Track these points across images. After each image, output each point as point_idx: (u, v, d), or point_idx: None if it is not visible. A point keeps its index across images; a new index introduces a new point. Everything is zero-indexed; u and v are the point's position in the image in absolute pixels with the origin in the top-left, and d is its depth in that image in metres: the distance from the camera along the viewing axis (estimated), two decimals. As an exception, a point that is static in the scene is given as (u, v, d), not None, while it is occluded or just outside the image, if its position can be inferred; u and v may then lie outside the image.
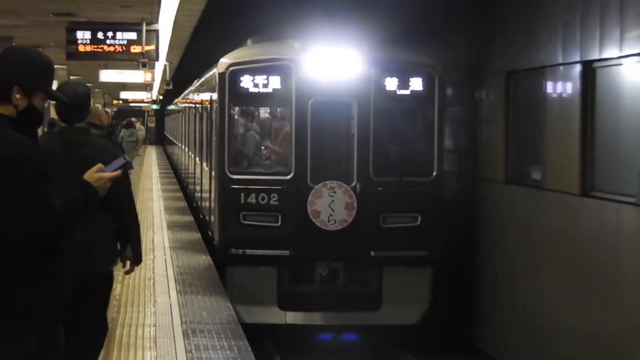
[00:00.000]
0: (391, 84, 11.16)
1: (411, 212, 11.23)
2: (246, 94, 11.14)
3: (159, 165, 33.93)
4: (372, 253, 11.03)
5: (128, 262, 5.69)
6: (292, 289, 11.15)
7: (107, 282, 5.61)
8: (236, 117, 11.67)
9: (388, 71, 11.13)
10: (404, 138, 11.85)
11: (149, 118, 48.61)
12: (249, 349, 7.51)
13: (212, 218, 12.28)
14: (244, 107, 11.77)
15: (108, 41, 13.80)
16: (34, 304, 3.34)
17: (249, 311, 10.85)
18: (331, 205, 10.89)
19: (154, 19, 13.98)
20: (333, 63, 10.99)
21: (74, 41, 13.74)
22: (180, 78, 26.22)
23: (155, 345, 7.71)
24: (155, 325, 8.43)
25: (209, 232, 13.41)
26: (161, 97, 37.20)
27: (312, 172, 10.96)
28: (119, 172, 3.62)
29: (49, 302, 3.41)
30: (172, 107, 33.66)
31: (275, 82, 11.01)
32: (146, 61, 14.81)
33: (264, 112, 12.34)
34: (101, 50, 13.71)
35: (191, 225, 15.79)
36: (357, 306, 11.18)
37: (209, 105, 13.98)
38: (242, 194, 11.00)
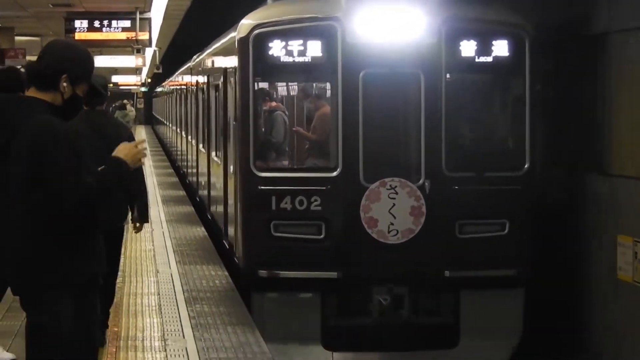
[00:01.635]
0: (468, 49, 8.38)
1: (496, 217, 8.43)
2: (277, 65, 8.38)
3: (149, 143, 34.28)
4: (447, 273, 8.23)
5: (137, 223, 6.97)
6: (341, 322, 8.38)
7: (119, 236, 6.61)
8: (263, 94, 8.89)
9: (464, 33, 8.36)
10: (486, 120, 9.03)
11: (137, 100, 53.56)
12: (247, 314, 8.00)
13: (231, 227, 9.51)
14: (274, 82, 8.97)
15: (104, 29, 14.39)
16: (70, 276, 3.71)
17: (284, 351, 8.13)
18: (392, 210, 8.13)
19: (147, 8, 14.40)
20: (392, 23, 8.24)
21: (71, 30, 14.43)
22: (168, 62, 28.04)
23: (161, 312, 8.16)
24: (158, 294, 8.92)
25: (225, 243, 10.60)
26: (149, 80, 42.32)
27: (365, 168, 8.21)
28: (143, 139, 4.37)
29: (86, 274, 3.78)
30: (162, 88, 32.85)
31: (315, 49, 8.26)
32: (140, 47, 15.71)
33: (292, 88, 9.52)
34: (98, 38, 14.26)
35: (184, 199, 16.38)
36: (427, 343, 8.38)
37: (220, 82, 11.07)
38: (274, 198, 8.25)
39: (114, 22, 14.13)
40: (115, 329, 6.99)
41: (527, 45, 8.45)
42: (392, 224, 8.13)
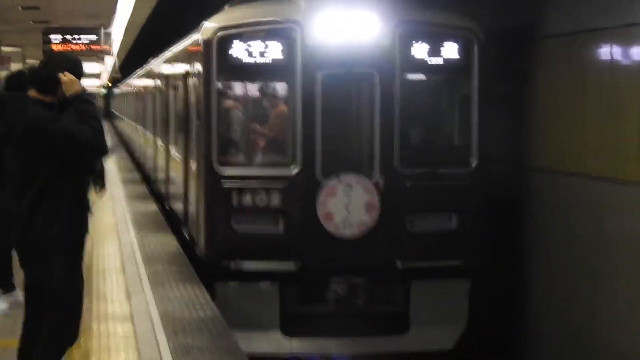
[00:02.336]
0: (420, 51, 8.60)
1: (445, 211, 8.77)
2: (239, 66, 8.49)
3: (109, 133, 40.52)
4: (399, 264, 8.55)
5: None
6: (299, 310, 8.65)
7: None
8: (222, 94, 9.05)
9: (416, 36, 8.58)
10: (437, 119, 9.27)
11: (99, 99, 61.45)
12: (193, 272, 9.03)
13: (193, 219, 9.74)
14: (235, 82, 9.15)
15: (74, 42, 17.56)
16: (66, 239, 4.61)
17: (245, 338, 8.38)
18: (347, 205, 8.40)
19: (110, 24, 17.61)
20: (348, 26, 8.43)
21: (48, 42, 18.15)
22: (126, 68, 31.61)
23: (124, 271, 9.38)
24: (121, 257, 10.21)
25: (185, 233, 10.86)
26: (109, 84, 48.90)
27: (323, 164, 8.44)
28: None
29: (77, 237, 4.72)
30: (120, 89, 37.99)
31: (275, 51, 8.42)
32: (103, 56, 20.58)
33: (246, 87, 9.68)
34: (69, 48, 16.98)
35: (143, 193, 17.40)
36: (380, 330, 8.72)
37: (179, 82, 11.41)
38: (235, 194, 8.49)
39: (82, 37, 17.44)
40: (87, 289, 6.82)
41: (475, 48, 8.70)
42: (347, 218, 8.36)
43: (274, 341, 8.59)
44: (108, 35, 18.44)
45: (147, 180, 18.63)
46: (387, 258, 8.51)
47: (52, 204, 4.53)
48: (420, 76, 8.94)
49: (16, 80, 6.71)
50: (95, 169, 6.68)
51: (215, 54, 8.49)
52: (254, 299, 8.57)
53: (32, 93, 4.78)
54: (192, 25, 10.55)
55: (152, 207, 14.70)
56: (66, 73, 4.67)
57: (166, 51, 14.81)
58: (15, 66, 21.31)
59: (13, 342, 5.18)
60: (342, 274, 8.49)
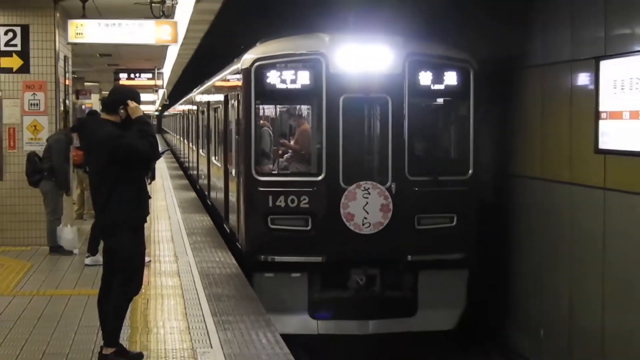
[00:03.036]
0: (425, 79, 10.03)
1: (447, 212, 10.19)
2: (273, 91, 9.92)
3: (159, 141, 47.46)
4: (409, 257, 9.95)
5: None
6: (324, 296, 9.99)
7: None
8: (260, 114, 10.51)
9: (422, 66, 10.00)
10: (439, 135, 10.76)
11: (152, 119, 72.76)
12: (222, 241, 11.95)
13: (235, 219, 11.15)
14: (271, 104, 10.61)
15: (136, 78, 22.26)
16: (129, 219, 6.03)
17: (278, 320, 9.72)
18: (366, 207, 9.79)
19: (161, 66, 23.00)
20: (366, 57, 9.85)
21: (117, 79, 22.20)
22: (172, 98, 44.16)
23: (173, 240, 12.47)
24: (171, 230, 13.57)
25: (227, 229, 12.34)
26: (160, 108, 60.56)
27: (344, 173, 9.82)
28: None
29: (139, 218, 6.14)
30: (168, 112, 51.29)
31: (304, 78, 9.83)
32: (157, 89, 27.72)
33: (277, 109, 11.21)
34: (133, 83, 21.82)
35: (186, 184, 23.22)
36: (392, 313, 10.12)
37: (221, 105, 13.31)
38: (270, 197, 9.90)
39: (142, 75, 22.18)
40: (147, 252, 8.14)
41: (471, 76, 10.12)
42: (365, 218, 9.73)
43: (303, 323, 9.87)
44: (160, 74, 23.45)
45: (190, 181, 23.52)
46: (399, 252, 9.90)
47: (120, 195, 5.95)
48: (425, 99, 10.34)
49: (93, 111, 8.93)
50: (151, 168, 8.66)
51: (253, 81, 9.87)
52: (286, 287, 9.88)
53: (103, 115, 6.25)
54: (221, 66, 13.31)
55: (192, 195, 19.92)
56: (132, 101, 6.06)
57: (207, 81, 17.70)
58: (94, 96, 28.70)
59: (94, 291, 6.68)
60: (361, 266, 9.85)
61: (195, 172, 21.55)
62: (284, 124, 11.09)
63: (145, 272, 7.61)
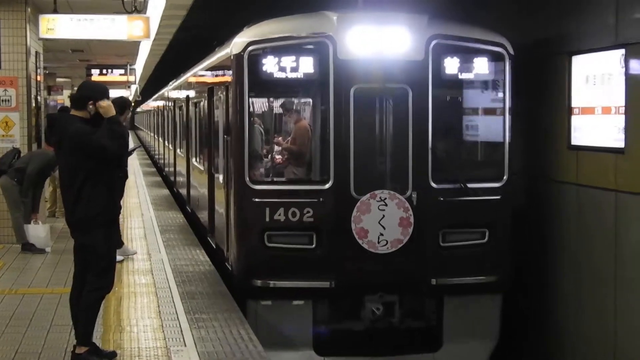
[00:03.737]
0: (452, 66, 8.30)
1: (477, 226, 8.45)
2: (270, 81, 8.15)
3: (134, 142, 45.05)
4: (434, 281, 8.20)
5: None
6: (332, 328, 8.28)
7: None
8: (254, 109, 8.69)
9: (449, 51, 8.26)
10: (469, 134, 8.97)
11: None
12: (195, 238, 11.63)
13: (223, 234, 9.37)
14: (268, 98, 8.80)
15: (109, 74, 22.49)
16: (103, 213, 5.95)
17: (277, 357, 8.02)
18: (382, 221, 8.05)
19: (134, 61, 23.11)
20: (381, 41, 8.08)
21: (89, 74, 22.19)
22: (144, 94, 43.91)
23: (146, 238, 12.02)
24: (144, 228, 13.07)
25: (213, 244, 10.58)
26: (132, 104, 68.55)
27: (356, 180, 8.10)
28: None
29: (111, 214, 6.16)
30: (141, 109, 48.49)
31: (307, 65, 8.07)
32: (129, 85, 27.39)
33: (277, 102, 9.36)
34: (105, 79, 22.01)
35: (159, 182, 22.30)
36: (412, 347, 8.38)
37: (204, 99, 11.28)
38: (268, 209, 8.13)
39: (115, 70, 22.62)
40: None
41: (506, 63, 8.42)
42: (381, 234, 8.02)
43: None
44: (133, 69, 23.74)
45: (164, 179, 22.39)
46: (422, 275, 8.16)
47: (91, 191, 5.86)
48: (452, 91, 8.62)
49: (64, 107, 8.59)
50: (123, 166, 7.89)
51: (247, 69, 8.09)
52: (286, 318, 8.17)
53: (73, 112, 6.12)
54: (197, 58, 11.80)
55: (165, 192, 19.07)
56: (105, 100, 5.94)
57: (186, 73, 15.46)
58: (66, 92, 28.79)
59: (67, 289, 6.60)
60: (376, 292, 8.14)
61: (172, 177, 19.46)
62: (278, 120, 9.25)
63: (118, 268, 7.88)
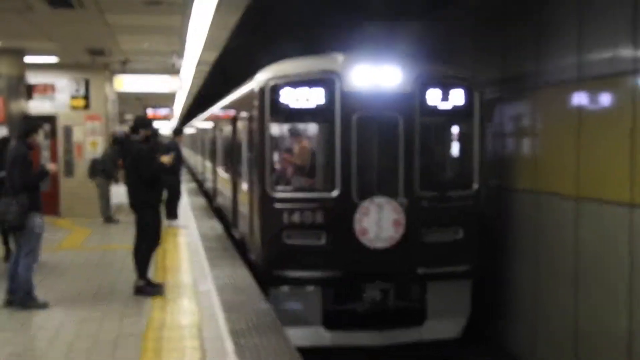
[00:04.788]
0: (433, 98, 9.95)
1: (454, 225, 10.16)
2: (288, 109, 9.66)
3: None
4: (419, 270, 9.88)
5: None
6: (338, 309, 9.81)
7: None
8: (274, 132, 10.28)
9: (430, 86, 9.90)
10: (447, 152, 10.65)
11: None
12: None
13: (245, 228, 10.88)
14: (286, 123, 10.40)
15: (157, 112, 31.33)
16: (152, 200, 8.97)
17: (293, 333, 9.55)
18: (379, 222, 9.72)
19: (173, 104, 32.47)
20: (378, 77, 9.70)
21: (145, 112, 30.01)
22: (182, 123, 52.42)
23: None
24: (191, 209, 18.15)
25: (235, 234, 12.24)
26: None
27: (358, 189, 9.70)
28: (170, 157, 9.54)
29: (157, 200, 9.01)
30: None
31: (318, 96, 9.62)
32: (170, 118, 35.62)
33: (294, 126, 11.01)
34: (154, 115, 30.81)
35: (197, 191, 26.76)
36: (402, 323, 10.04)
37: (231, 125, 13.80)
38: (286, 213, 9.71)
39: (162, 109, 31.69)
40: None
41: (475, 95, 10.06)
42: (378, 232, 9.72)
43: (316, 335, 9.67)
44: (172, 109, 33.56)
45: (204, 192, 25.58)
46: (410, 266, 9.79)
47: (142, 187, 8.99)
48: (434, 118, 10.13)
49: (127, 134, 11.26)
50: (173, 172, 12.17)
51: (268, 100, 9.62)
52: (301, 300, 9.71)
53: (132, 134, 9.84)
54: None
55: (202, 200, 22.41)
56: (165, 157, 9.59)
57: (214, 105, 19.47)
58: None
59: (129, 246, 9.71)
60: (374, 280, 9.70)
61: (210, 186, 22.25)
62: (302, 141, 10.93)
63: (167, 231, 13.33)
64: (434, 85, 9.92)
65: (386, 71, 9.76)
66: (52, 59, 15.88)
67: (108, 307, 8.37)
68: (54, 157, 16.85)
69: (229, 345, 6.81)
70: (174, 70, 16.31)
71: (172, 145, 15.27)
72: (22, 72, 15.19)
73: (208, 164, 21.38)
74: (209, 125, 20.89)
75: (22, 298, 8.37)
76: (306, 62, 9.96)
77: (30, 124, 8.63)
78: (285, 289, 9.73)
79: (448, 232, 10.07)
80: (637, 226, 7.76)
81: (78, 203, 17.18)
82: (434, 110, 9.98)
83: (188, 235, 13.98)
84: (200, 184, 27.48)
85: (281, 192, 9.81)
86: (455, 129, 10.57)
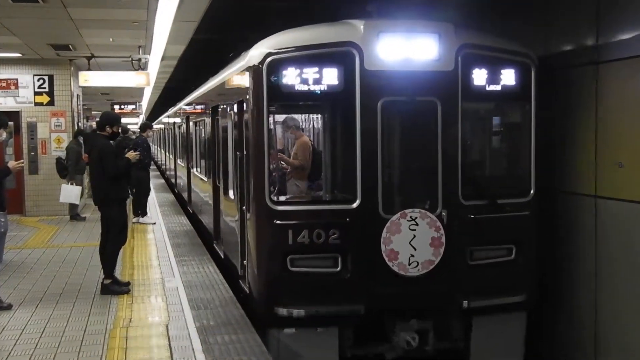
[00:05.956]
0: (480, 78, 7.44)
1: (505, 243, 7.68)
2: (291, 93, 7.07)
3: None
4: (465, 304, 7.37)
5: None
6: (360, 355, 7.37)
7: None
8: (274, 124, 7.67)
9: (477, 62, 7.39)
10: (497, 148, 8.14)
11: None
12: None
13: (243, 260, 8.31)
14: (289, 112, 7.80)
15: (125, 108, 28.72)
16: (117, 195, 8.50)
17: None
18: (413, 242, 7.20)
19: (141, 100, 31.40)
20: (409, 50, 7.15)
21: (112, 108, 27.80)
22: (150, 118, 49.16)
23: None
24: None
25: (217, 248, 10.00)
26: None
27: (384, 199, 7.21)
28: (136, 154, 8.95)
29: (122, 195, 8.66)
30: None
31: (332, 77, 7.08)
32: (138, 114, 34.18)
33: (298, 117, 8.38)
34: (122, 111, 28.25)
35: (164, 182, 26.58)
36: None
37: (214, 118, 10.68)
38: (291, 232, 7.16)
39: (129, 105, 29.02)
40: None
41: (532, 74, 7.61)
42: (412, 255, 7.17)
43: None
44: (140, 105, 31.27)
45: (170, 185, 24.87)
46: (453, 297, 7.32)
47: (106, 182, 8.43)
48: (481, 104, 7.74)
49: (94, 129, 9.71)
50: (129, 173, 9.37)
51: (266, 81, 7.04)
52: (311, 346, 7.20)
53: (98, 132, 8.77)
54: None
55: (171, 196, 21.22)
56: (132, 153, 8.86)
57: (194, 91, 15.79)
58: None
59: (97, 243, 9.11)
60: (408, 319, 7.26)
61: (177, 183, 21.11)
62: (314, 136, 8.32)
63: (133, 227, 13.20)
64: (481, 61, 7.41)
65: (420, 43, 7.20)
66: (15, 55, 15.37)
67: (75, 306, 8.08)
68: (18, 156, 15.97)
69: (197, 343, 6.55)
70: (140, 65, 15.44)
71: (141, 140, 14.58)
72: (-17, 67, 14.45)
73: (181, 163, 18.90)
74: (183, 118, 18.30)
75: None
76: (315, 32, 7.31)
77: None
78: (290, 331, 7.20)
79: (497, 251, 7.60)
80: None
81: (43, 201, 16.29)
82: (481, 93, 7.48)
83: (156, 231, 13.48)
84: (170, 184, 24.81)
85: (284, 205, 7.25)
86: (507, 118, 8.04)
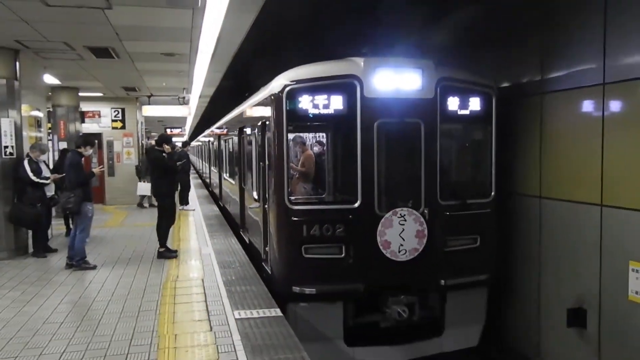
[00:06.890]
0: (454, 104, 9.12)
1: (472, 234, 9.38)
2: (305, 116, 8.61)
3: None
4: (443, 282, 9.07)
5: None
6: (360, 324, 8.95)
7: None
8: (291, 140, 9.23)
9: (451, 91, 9.06)
10: (466, 159, 9.82)
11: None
12: (224, 222, 16.07)
13: (266, 247, 9.82)
14: (303, 131, 9.35)
15: (174, 130, 36.64)
16: (168, 190, 11.63)
17: (314, 350, 8.66)
18: (402, 234, 8.85)
19: (185, 125, 38.59)
20: (400, 82, 8.77)
21: (165, 130, 35.07)
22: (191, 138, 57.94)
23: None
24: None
25: (244, 236, 11.95)
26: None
27: (379, 200, 8.83)
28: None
29: (172, 190, 11.85)
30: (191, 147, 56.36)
31: (338, 102, 8.64)
32: (183, 135, 44.29)
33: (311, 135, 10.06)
34: (171, 132, 35.88)
35: (207, 196, 27.31)
36: (423, 335, 9.25)
37: (244, 134, 12.83)
38: (305, 227, 8.73)
39: (175, 129, 36.99)
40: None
41: (494, 101, 9.29)
42: (401, 244, 8.83)
43: (339, 351, 8.82)
44: (184, 128, 39.96)
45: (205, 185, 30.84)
46: (433, 277, 9.00)
47: (162, 182, 11.28)
48: (454, 124, 9.36)
49: (152, 145, 12.28)
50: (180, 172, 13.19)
51: (285, 106, 8.55)
52: (321, 316, 8.79)
53: (156, 147, 11.60)
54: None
55: (205, 192, 26.45)
56: (167, 147, 11.66)
57: (224, 117, 20.39)
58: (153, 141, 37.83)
59: (153, 224, 12.35)
60: (398, 293, 8.88)
61: (209, 181, 26.25)
62: (320, 149, 9.99)
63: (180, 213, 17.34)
64: (454, 91, 9.08)
65: (408, 76, 8.85)
66: (98, 94, 20.51)
67: (139, 267, 10.75)
68: (100, 163, 21.19)
69: (223, 292, 8.90)
70: (184, 101, 21.75)
71: (183, 153, 19.41)
72: (77, 103, 19.38)
73: (214, 170, 24.10)
74: (216, 137, 23.18)
75: (78, 262, 10.75)
76: (324, 67, 8.91)
77: (83, 139, 10.99)
78: (304, 305, 8.77)
79: (466, 241, 9.29)
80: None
81: (118, 194, 21.72)
82: (454, 116, 9.14)
83: (195, 215, 17.79)
84: (205, 184, 31.43)
85: (300, 205, 8.83)
86: (473, 137, 9.75)
